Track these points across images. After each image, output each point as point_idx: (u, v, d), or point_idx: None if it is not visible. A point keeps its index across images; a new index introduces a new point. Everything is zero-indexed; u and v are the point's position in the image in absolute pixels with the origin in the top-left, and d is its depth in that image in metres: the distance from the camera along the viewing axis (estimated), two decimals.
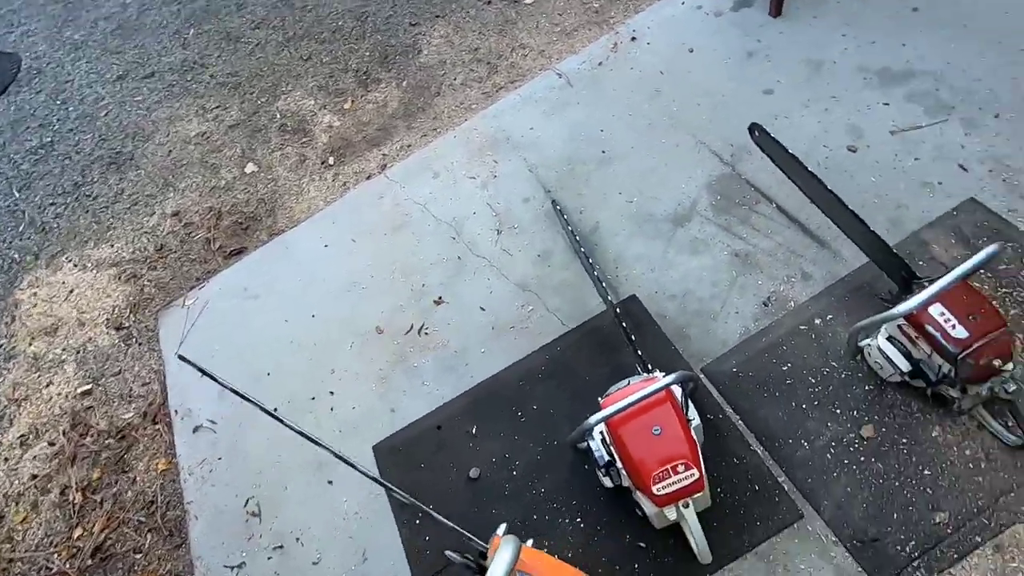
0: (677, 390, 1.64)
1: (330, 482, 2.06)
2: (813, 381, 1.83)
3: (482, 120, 2.87)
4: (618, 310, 2.01)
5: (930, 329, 1.52)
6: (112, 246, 3.02)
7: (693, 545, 1.56)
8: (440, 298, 2.37)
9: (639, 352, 1.86)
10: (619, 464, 1.61)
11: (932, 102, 2.28)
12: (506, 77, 3.04)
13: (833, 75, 2.47)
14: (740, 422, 1.83)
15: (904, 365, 1.63)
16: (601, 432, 1.64)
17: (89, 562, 2.11)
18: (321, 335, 2.40)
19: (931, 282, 1.54)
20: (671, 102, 2.62)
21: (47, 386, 2.62)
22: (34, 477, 2.38)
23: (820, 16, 2.66)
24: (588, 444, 1.67)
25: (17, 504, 2.33)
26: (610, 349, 2.05)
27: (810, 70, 2.51)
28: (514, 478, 1.89)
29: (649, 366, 1.81)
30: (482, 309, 2.29)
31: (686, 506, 1.50)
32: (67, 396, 2.56)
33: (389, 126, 3.08)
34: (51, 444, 2.44)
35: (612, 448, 1.62)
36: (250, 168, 3.15)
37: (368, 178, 2.89)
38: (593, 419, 1.54)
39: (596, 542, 1.74)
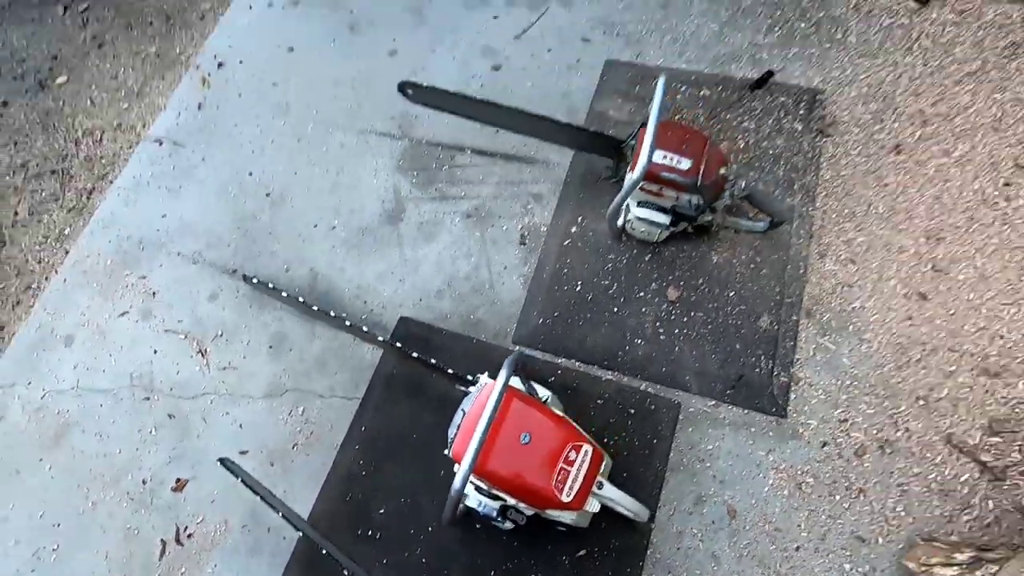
0: (515, 381, 1.38)
1: None
2: (606, 283, 1.78)
3: (91, 241, 2.12)
4: (397, 344, 1.66)
5: (665, 175, 1.54)
6: None
7: (626, 513, 1.36)
8: (179, 480, 1.69)
9: (448, 371, 1.55)
10: (511, 500, 1.31)
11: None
12: (90, 177, 2.30)
13: (437, 12, 2.42)
14: (578, 364, 1.69)
15: (664, 219, 1.65)
16: (472, 483, 1.31)
17: None
18: None
19: (635, 139, 1.56)
20: (306, 108, 2.28)
21: None
22: None
23: None
24: (466, 507, 1.32)
25: None
26: (418, 390, 1.70)
27: (416, 18, 2.42)
28: None
29: (468, 377, 1.52)
30: (243, 453, 1.70)
31: (600, 487, 1.28)
32: None
33: None
34: None
35: (493, 490, 1.30)
36: None
37: None
38: (457, 483, 1.19)
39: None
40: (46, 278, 2.11)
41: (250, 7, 2.58)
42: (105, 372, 1.88)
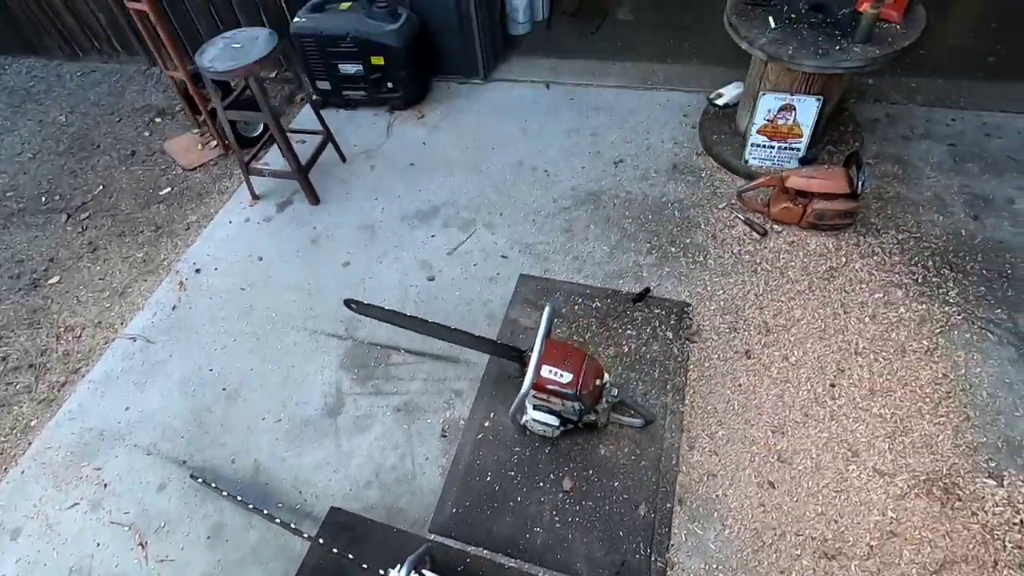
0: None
1: None
2: (512, 474, 2.07)
3: (55, 432, 2.35)
4: (321, 540, 1.87)
5: (550, 387, 1.92)
6: None
7: None
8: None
9: (363, 565, 1.76)
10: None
11: (461, 221, 2.95)
12: (64, 370, 2.58)
13: (386, 231, 2.95)
14: (486, 552, 1.91)
15: (553, 421, 1.99)
16: None
17: None
18: None
19: (531, 351, 1.96)
20: (267, 310, 2.67)
21: None
22: None
23: (351, 192, 3.17)
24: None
25: None
26: None
27: (368, 234, 2.95)
28: None
29: (380, 572, 1.73)
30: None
31: None
32: None
33: None
34: None
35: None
36: None
37: None
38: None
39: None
40: (5, 469, 2.28)
41: (229, 221, 3.10)
42: (46, 566, 2.00)
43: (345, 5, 3.29)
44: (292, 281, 2.78)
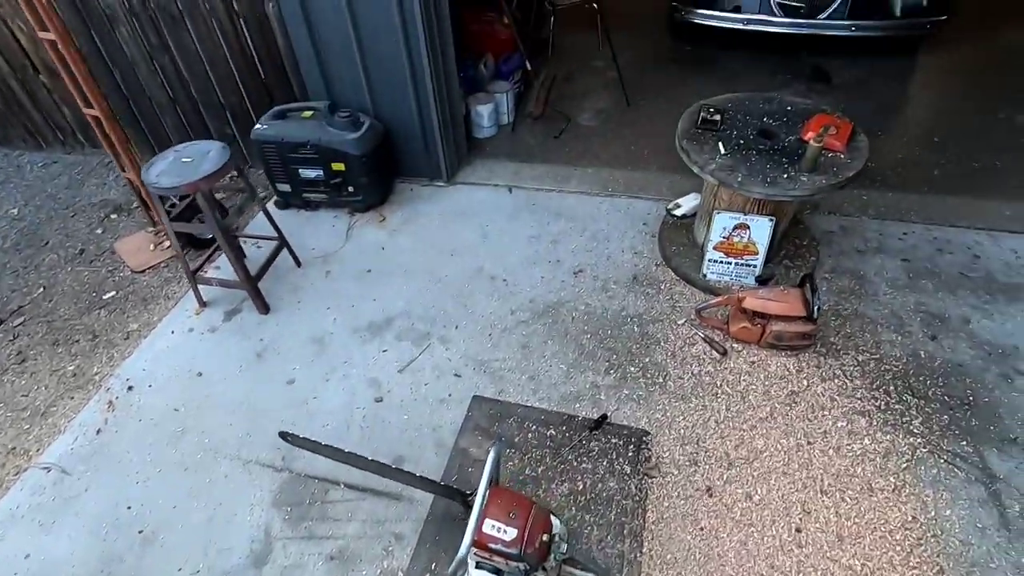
0: None
1: None
2: None
3: None
4: None
5: (492, 545, 1.74)
6: None
7: None
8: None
9: None
10: None
11: (415, 334, 2.84)
12: None
13: (336, 344, 2.82)
14: None
15: None
16: None
17: None
18: None
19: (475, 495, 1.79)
20: (200, 435, 2.48)
21: None
22: None
23: (303, 301, 3.06)
24: None
25: None
26: None
27: (317, 347, 2.82)
28: None
29: None
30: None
31: None
32: None
33: None
34: None
35: None
36: None
37: None
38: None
39: None
40: None
41: (172, 332, 2.95)
42: None
43: (307, 113, 3.31)
44: (231, 400, 2.60)
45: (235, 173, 2.89)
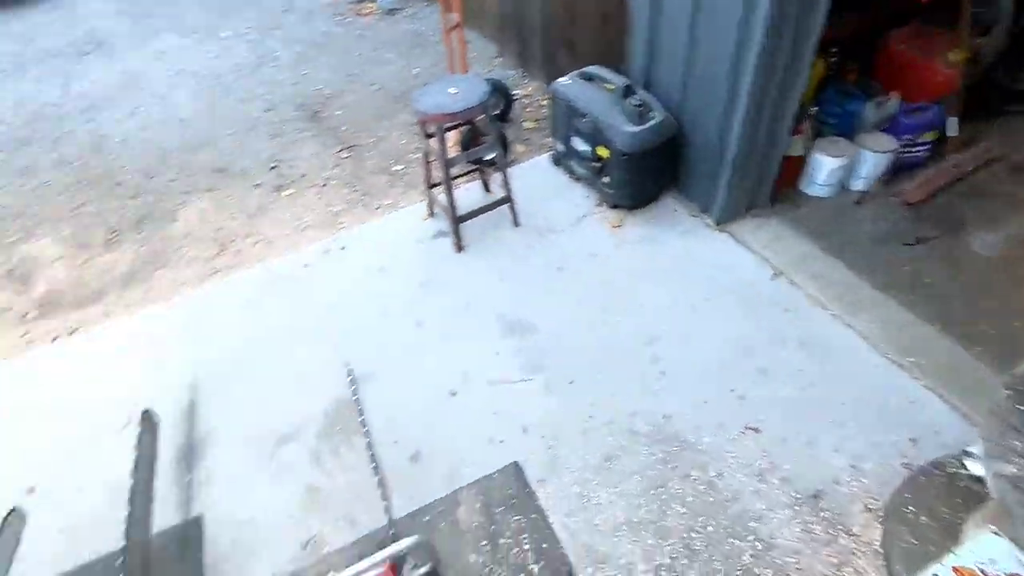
0: None
1: None
2: None
3: (181, 303, 3.00)
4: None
5: None
6: None
7: None
8: (32, 488, 2.31)
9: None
10: None
11: (530, 361, 2.54)
12: (228, 261, 3.24)
13: (476, 316, 2.75)
14: None
15: None
16: None
17: None
18: None
19: None
20: (337, 319, 2.82)
21: None
22: None
23: (489, 262, 3.00)
24: None
25: None
26: None
27: (461, 307, 2.80)
28: None
29: None
30: (80, 490, 2.22)
31: None
32: None
33: (105, 291, 3.17)
34: None
35: None
36: None
37: (54, 339, 2.92)
38: None
39: None
40: (152, 304, 3.05)
41: (398, 223, 3.30)
42: (94, 388, 2.66)
43: (610, 86, 2.94)
44: (376, 306, 2.85)
45: (491, 119, 2.84)
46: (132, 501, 2.04)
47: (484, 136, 3.02)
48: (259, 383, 2.59)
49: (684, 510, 2.03)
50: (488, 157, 3.31)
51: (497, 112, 3.75)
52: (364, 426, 2.35)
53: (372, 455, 2.26)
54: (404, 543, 1.69)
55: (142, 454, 2.17)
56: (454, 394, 2.45)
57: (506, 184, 3.02)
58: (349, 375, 2.47)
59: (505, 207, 3.11)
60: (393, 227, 3.28)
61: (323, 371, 2.59)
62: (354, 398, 2.43)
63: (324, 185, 3.71)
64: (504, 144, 3.45)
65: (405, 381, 2.51)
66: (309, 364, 2.63)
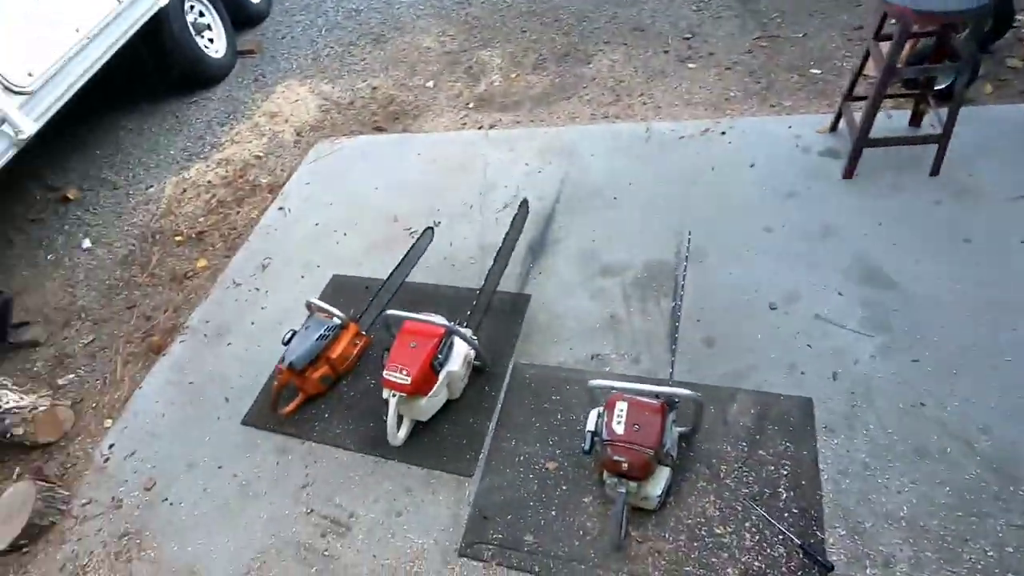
0: (462, 346, 2.24)
1: (302, 277, 3.10)
2: (559, 417, 2.22)
3: (570, 131, 3.44)
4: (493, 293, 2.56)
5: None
6: (332, 86, 4.41)
7: (387, 427, 2.19)
8: (437, 223, 3.15)
9: (471, 312, 2.44)
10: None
11: (876, 317, 2.22)
12: (614, 111, 3.52)
13: (832, 247, 2.48)
14: (500, 403, 2.33)
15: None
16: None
17: (192, 236, 3.53)
18: (368, 201, 3.40)
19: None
20: (695, 195, 2.87)
21: (248, 143, 4.13)
22: (209, 182, 3.90)
23: (882, 199, 2.59)
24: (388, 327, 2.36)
25: (194, 189, 3.88)
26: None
27: (818, 232, 2.54)
28: None
29: (470, 332, 2.38)
30: (451, 244, 3.00)
31: (393, 396, 2.14)
32: (251, 153, 4.04)
33: (522, 100, 3.83)
34: (227, 172, 3.94)
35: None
36: (429, 84, 4.22)
37: (479, 128, 3.72)
38: (392, 312, 2.24)
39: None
40: (549, 126, 3.59)
41: (789, 127, 3.04)
42: (496, 170, 3.36)
43: None
44: (729, 195, 2.80)
45: (972, 36, 2.23)
46: (496, 259, 2.63)
47: (950, 57, 2.44)
48: (606, 219, 2.90)
49: (992, 554, 1.67)
50: (942, 85, 2.71)
51: (983, 32, 2.93)
52: (680, 292, 2.47)
53: (676, 314, 2.39)
54: (683, 392, 1.82)
55: (514, 227, 2.74)
56: (773, 308, 2.36)
57: (949, 122, 2.45)
58: (688, 243, 2.56)
59: (929, 148, 2.56)
60: (783, 130, 3.05)
61: (661, 232, 2.75)
62: (684, 264, 2.54)
63: (728, 68, 3.59)
64: (973, 74, 2.73)
65: (740, 275, 2.49)
66: (651, 221, 2.81)
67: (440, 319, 2.20)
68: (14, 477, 2.58)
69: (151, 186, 4.00)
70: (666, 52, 3.84)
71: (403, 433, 2.23)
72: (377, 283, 2.85)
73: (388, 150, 3.72)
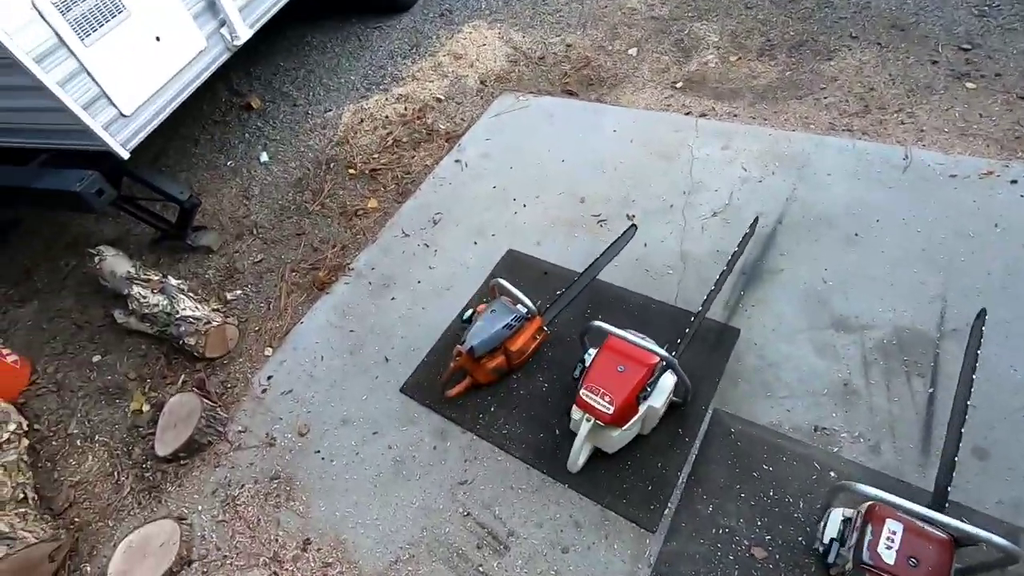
0: (669, 380, 1.89)
1: (475, 243, 2.83)
2: (771, 493, 1.84)
3: (802, 137, 2.88)
4: (692, 321, 2.16)
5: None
6: (523, 35, 4.02)
7: (571, 451, 1.91)
8: (633, 216, 2.75)
9: (681, 341, 2.07)
10: (586, 363, 1.97)
11: None
12: (860, 124, 2.89)
13: None
14: (695, 453, 1.98)
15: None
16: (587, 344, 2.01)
17: (366, 172, 3.36)
18: (554, 173, 3.05)
19: None
20: (967, 252, 2.28)
21: (430, 82, 3.87)
22: (386, 117, 3.70)
23: None
24: (587, 348, 2.05)
25: (371, 121, 3.69)
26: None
27: None
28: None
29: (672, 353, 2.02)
30: (645, 245, 2.61)
31: (588, 420, 1.84)
32: (431, 94, 3.78)
33: (742, 89, 3.27)
34: (405, 110, 3.71)
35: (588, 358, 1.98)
36: (632, 51, 3.72)
37: (686, 114, 3.22)
38: (601, 324, 1.91)
39: (549, 401, 2.21)
40: (775, 128, 3.03)
41: None
42: (702, 166, 2.89)
43: None
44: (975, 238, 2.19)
45: None
46: (716, 283, 2.22)
47: None
48: (843, 258, 2.38)
49: None
50: None
51: None
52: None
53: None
54: (998, 540, 1.38)
55: (738, 252, 2.30)
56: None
57: None
58: (980, 320, 2.01)
59: None
60: None
61: (917, 292, 2.22)
62: (967, 343, 2.02)
63: (1022, 97, 2.83)
64: None
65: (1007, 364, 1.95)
66: (904, 275, 2.27)
67: (656, 347, 1.85)
68: (179, 383, 2.58)
69: (329, 110, 3.86)
70: (935, 63, 3.11)
71: (582, 460, 1.95)
72: (557, 269, 2.55)
73: (580, 118, 3.32)
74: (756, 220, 2.41)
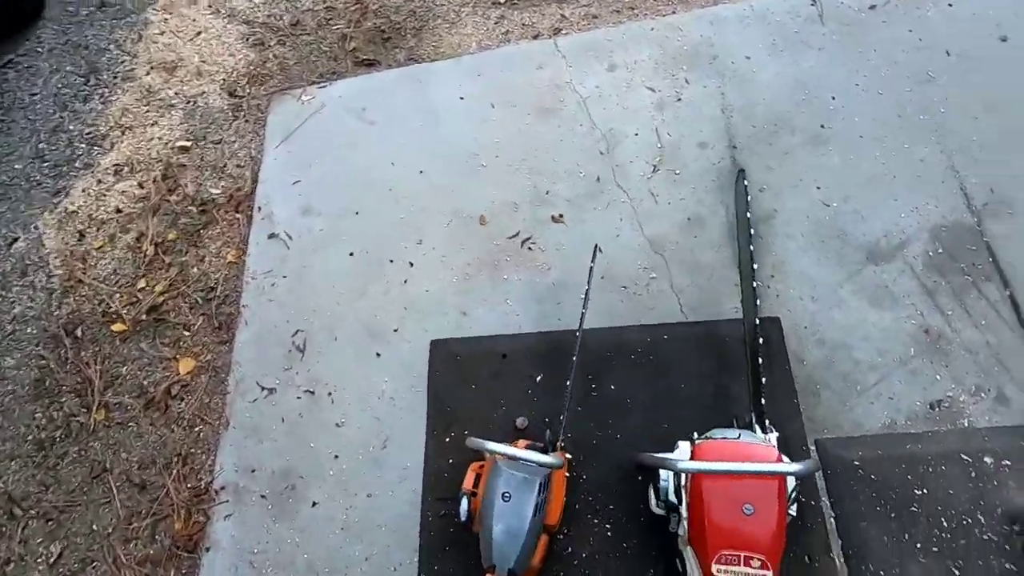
0: (792, 479, 1.25)
1: (378, 355, 1.82)
2: (944, 524, 1.40)
3: (692, 20, 2.16)
4: (757, 331, 1.55)
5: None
6: (251, 0, 2.60)
7: None
8: (560, 215, 1.93)
9: (759, 399, 1.44)
10: (684, 513, 1.29)
11: None
12: None
13: None
14: (832, 521, 1.46)
15: None
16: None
17: (143, 318, 2.02)
18: (422, 196, 2.03)
19: None
20: (941, 98, 1.86)
21: (152, 125, 2.40)
22: (118, 211, 2.25)
23: None
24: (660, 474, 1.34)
25: (98, 230, 2.23)
26: (724, 367, 1.62)
27: None
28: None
29: (766, 422, 1.41)
30: (599, 251, 1.85)
31: None
32: (167, 144, 2.35)
33: None
34: (140, 187, 2.28)
35: (684, 493, 1.29)
36: None
37: (535, 37, 2.30)
38: (684, 465, 1.19)
39: (617, 557, 1.49)
40: (648, 16, 2.24)
41: None
42: (603, 108, 2.06)
43: None
44: (1000, 95, 1.82)
45: None
46: (742, 277, 1.56)
47: None
48: (822, 164, 1.84)
49: None
50: None
51: None
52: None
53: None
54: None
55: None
56: None
57: None
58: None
59: None
60: None
61: (922, 171, 1.77)
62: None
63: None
64: None
65: None
66: (897, 155, 1.81)
67: (771, 465, 1.18)
68: None
69: (14, 239, 2.26)
70: None
71: None
72: (515, 342, 1.76)
73: (403, 97, 2.24)
74: (741, 172, 1.73)
